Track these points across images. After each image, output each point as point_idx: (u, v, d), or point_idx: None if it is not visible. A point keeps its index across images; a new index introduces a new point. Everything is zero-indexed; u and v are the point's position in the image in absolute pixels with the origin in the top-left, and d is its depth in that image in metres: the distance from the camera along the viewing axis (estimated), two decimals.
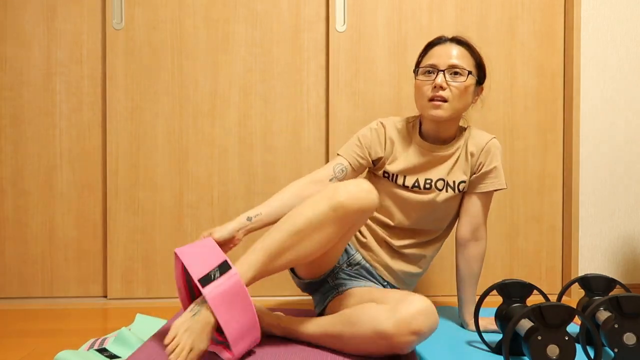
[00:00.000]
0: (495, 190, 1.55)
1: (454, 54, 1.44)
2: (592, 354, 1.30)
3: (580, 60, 2.02)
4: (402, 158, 1.51)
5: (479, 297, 1.42)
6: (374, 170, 1.55)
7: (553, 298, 1.71)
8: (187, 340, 1.13)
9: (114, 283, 1.96)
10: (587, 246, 2.06)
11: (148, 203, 1.97)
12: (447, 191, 1.51)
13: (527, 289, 1.36)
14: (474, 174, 1.52)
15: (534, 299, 1.31)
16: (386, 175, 1.52)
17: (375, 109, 1.99)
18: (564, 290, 1.47)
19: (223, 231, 1.38)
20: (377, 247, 1.53)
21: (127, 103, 1.96)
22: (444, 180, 1.50)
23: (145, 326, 1.57)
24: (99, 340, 1.42)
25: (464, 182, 1.52)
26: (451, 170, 1.51)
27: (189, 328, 1.14)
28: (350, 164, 1.50)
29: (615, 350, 1.20)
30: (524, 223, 2.05)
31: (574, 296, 2.00)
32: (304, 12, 2.00)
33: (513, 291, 1.36)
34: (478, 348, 1.39)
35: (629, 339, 1.20)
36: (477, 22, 2.02)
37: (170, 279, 1.97)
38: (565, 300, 1.95)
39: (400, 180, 1.50)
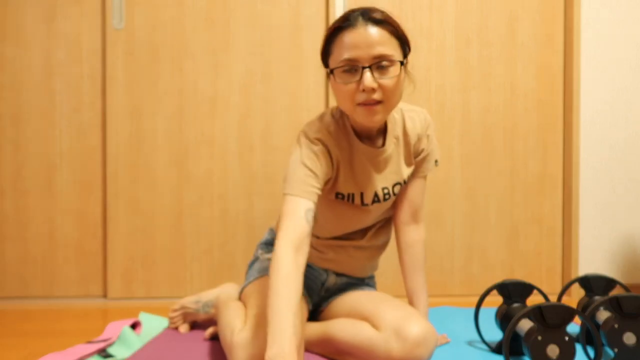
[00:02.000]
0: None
1: (375, 40, 1.12)
2: (592, 354, 1.30)
3: (580, 60, 2.02)
4: (352, 174, 1.28)
5: (479, 297, 1.42)
6: (323, 191, 1.25)
7: (553, 298, 1.71)
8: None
9: (114, 283, 1.96)
10: (587, 246, 2.06)
11: (148, 203, 1.97)
12: (400, 187, 1.35)
13: (527, 289, 1.36)
14: (416, 158, 1.34)
15: (534, 299, 1.31)
16: (340, 196, 1.29)
17: None
18: (564, 290, 1.47)
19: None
20: (347, 258, 1.39)
21: (127, 103, 1.96)
22: (400, 183, 1.33)
23: (150, 325, 1.57)
24: (101, 342, 1.42)
25: (410, 172, 1.36)
26: (399, 168, 1.32)
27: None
28: (314, 202, 1.16)
29: (615, 350, 1.20)
30: (524, 223, 2.05)
31: (574, 296, 2.00)
32: (304, 12, 2.00)
33: (513, 291, 1.36)
34: (478, 348, 1.39)
35: (629, 339, 1.20)
36: (477, 22, 2.02)
37: (170, 279, 1.97)
38: (565, 300, 1.95)
39: (357, 200, 1.29)
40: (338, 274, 1.41)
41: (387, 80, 1.13)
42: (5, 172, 1.96)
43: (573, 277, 2.01)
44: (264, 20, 1.99)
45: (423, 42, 2.01)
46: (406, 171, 1.33)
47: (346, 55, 1.12)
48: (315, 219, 1.31)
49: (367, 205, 1.29)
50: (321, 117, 1.27)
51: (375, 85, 1.12)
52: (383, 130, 1.28)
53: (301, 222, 1.12)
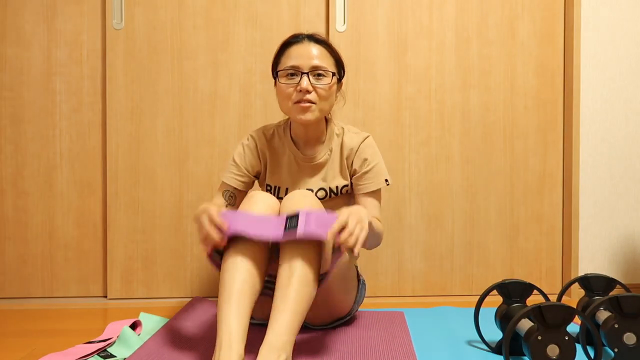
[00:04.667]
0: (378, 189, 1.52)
1: (314, 54, 1.41)
2: (592, 354, 1.30)
3: (580, 60, 2.02)
4: (279, 170, 1.52)
5: (479, 297, 1.42)
6: (259, 183, 1.57)
7: (553, 298, 1.71)
8: None
9: (114, 283, 1.96)
10: (587, 246, 2.06)
11: (148, 203, 1.97)
12: (330, 196, 1.51)
13: (527, 288, 1.36)
14: (352, 176, 1.51)
15: (534, 299, 1.31)
16: (269, 188, 1.53)
17: (375, 109, 1.99)
18: (564, 290, 1.47)
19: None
20: None
21: (127, 103, 1.96)
22: (324, 189, 1.50)
23: (150, 325, 1.58)
24: (100, 342, 1.42)
25: (345, 185, 1.52)
26: (328, 176, 1.51)
27: None
28: (236, 188, 1.50)
29: (615, 350, 1.20)
30: (524, 223, 2.05)
31: (574, 296, 2.00)
32: (304, 12, 2.00)
33: (513, 291, 1.36)
34: (478, 348, 1.39)
35: (629, 338, 1.20)
36: (477, 22, 2.02)
37: (170, 279, 1.97)
38: (565, 300, 1.95)
39: (282, 194, 1.50)
40: None
41: (321, 86, 1.41)
42: (5, 172, 1.97)
43: (573, 276, 2.01)
44: (264, 20, 1.99)
45: (423, 41, 2.01)
46: (338, 181, 1.51)
47: (290, 63, 1.41)
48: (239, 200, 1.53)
49: None
50: (266, 125, 1.58)
51: (310, 88, 1.39)
52: (320, 142, 1.51)
53: (219, 199, 1.50)
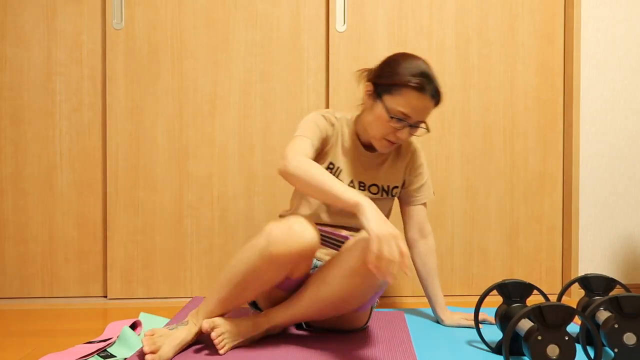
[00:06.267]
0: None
1: (428, 112, 1.41)
2: (592, 354, 1.30)
3: (580, 60, 2.02)
4: (343, 154, 1.50)
5: (479, 297, 1.42)
6: (318, 158, 1.48)
7: (553, 298, 1.71)
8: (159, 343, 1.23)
9: (114, 283, 1.96)
10: (587, 246, 2.06)
11: (148, 203, 1.97)
12: (381, 195, 1.54)
13: (527, 289, 1.36)
14: (405, 182, 1.59)
15: (534, 299, 1.31)
16: (331, 166, 1.49)
17: None
18: (564, 290, 1.47)
19: None
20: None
21: (127, 103, 1.96)
22: (377, 186, 1.53)
23: (150, 325, 1.57)
24: (100, 342, 1.42)
25: (396, 187, 1.56)
26: (383, 174, 1.54)
27: (163, 334, 1.25)
28: (313, 145, 1.40)
29: (615, 350, 1.20)
30: (524, 223, 2.05)
31: (574, 296, 2.00)
32: (304, 12, 2.00)
33: (513, 291, 1.36)
34: (478, 348, 1.39)
35: (629, 339, 1.20)
36: (477, 22, 2.02)
37: (170, 279, 1.97)
38: (565, 300, 1.95)
39: (340, 176, 1.50)
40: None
41: (414, 135, 1.45)
42: (5, 172, 1.97)
43: (573, 276, 2.01)
44: (264, 20, 1.99)
45: (423, 41, 2.01)
46: (391, 181, 1.54)
47: (405, 110, 1.37)
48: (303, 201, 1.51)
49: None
50: (335, 110, 1.54)
51: (407, 138, 1.42)
52: None
53: (308, 150, 1.35)
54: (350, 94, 1.98)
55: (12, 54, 1.96)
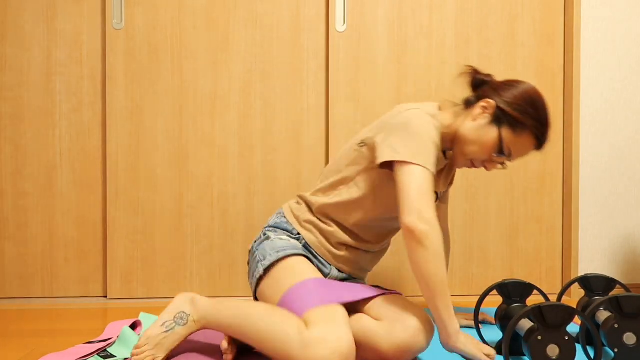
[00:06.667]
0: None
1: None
2: (592, 354, 1.30)
3: (580, 60, 2.02)
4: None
5: (479, 297, 1.42)
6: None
7: (553, 298, 1.71)
8: (151, 352, 1.21)
9: (114, 283, 1.96)
10: (587, 246, 2.06)
11: (148, 203, 1.97)
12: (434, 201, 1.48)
13: (527, 289, 1.36)
14: (451, 183, 1.55)
15: (534, 299, 1.31)
16: None
17: (376, 109, 1.99)
18: (564, 290, 1.47)
19: None
20: (356, 259, 1.43)
21: (127, 103, 1.96)
22: (437, 193, 1.46)
23: (150, 325, 1.57)
24: (100, 342, 1.42)
25: (445, 192, 1.57)
26: (442, 182, 1.48)
27: (159, 343, 1.21)
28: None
29: (615, 350, 1.20)
30: (524, 223, 2.05)
31: (574, 296, 2.00)
32: (304, 12, 2.00)
33: (513, 291, 1.36)
34: None
35: (629, 339, 1.20)
36: (477, 22, 2.02)
37: (170, 279, 1.97)
38: (565, 300, 1.95)
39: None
40: (340, 271, 1.43)
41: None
42: (5, 172, 1.96)
43: (573, 276, 2.01)
44: (264, 20, 1.99)
45: (423, 41, 2.01)
46: (442, 187, 1.47)
47: (516, 153, 1.31)
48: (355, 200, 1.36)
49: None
50: (427, 108, 1.34)
51: (489, 170, 1.36)
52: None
53: (432, 198, 1.21)
54: (350, 94, 1.98)
55: (12, 54, 1.96)
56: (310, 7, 1.99)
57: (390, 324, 1.18)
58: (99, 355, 1.30)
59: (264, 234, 1.42)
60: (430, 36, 2.02)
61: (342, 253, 1.40)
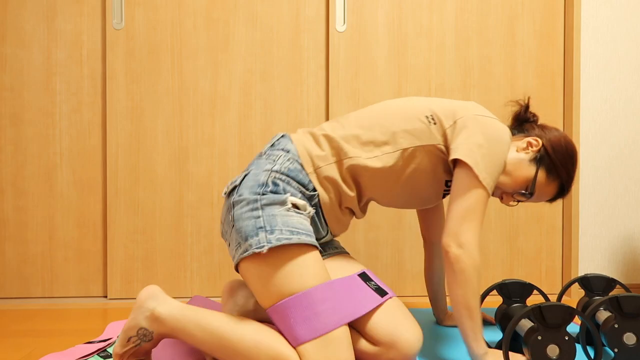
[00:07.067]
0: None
1: None
2: (592, 354, 1.30)
3: (580, 60, 2.02)
4: None
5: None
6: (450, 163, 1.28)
7: (553, 298, 1.71)
8: None
9: (114, 283, 1.96)
10: (587, 246, 2.06)
11: (148, 203, 1.97)
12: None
13: (527, 289, 1.36)
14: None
15: (534, 299, 1.31)
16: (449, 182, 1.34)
17: None
18: (564, 290, 1.47)
19: None
20: (346, 224, 1.37)
21: (127, 103, 1.96)
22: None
23: None
24: (100, 342, 1.42)
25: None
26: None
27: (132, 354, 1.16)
28: None
29: (615, 350, 1.20)
30: (524, 223, 2.05)
31: (574, 296, 2.00)
32: (304, 12, 2.00)
33: (513, 291, 1.36)
34: None
35: (629, 339, 1.20)
36: (477, 22, 2.02)
37: (170, 279, 1.97)
38: (565, 300, 1.95)
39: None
40: (331, 233, 1.36)
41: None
42: (5, 172, 1.97)
43: (573, 276, 2.01)
44: (264, 20, 1.99)
45: (423, 41, 2.01)
46: None
47: (537, 198, 1.31)
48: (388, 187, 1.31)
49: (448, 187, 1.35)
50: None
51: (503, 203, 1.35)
52: None
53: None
54: (350, 94, 1.98)
55: (12, 54, 1.96)
56: (310, 7, 1.99)
57: (387, 350, 1.19)
58: (99, 355, 1.30)
59: (273, 182, 1.19)
60: (430, 36, 2.02)
61: (344, 217, 1.32)
